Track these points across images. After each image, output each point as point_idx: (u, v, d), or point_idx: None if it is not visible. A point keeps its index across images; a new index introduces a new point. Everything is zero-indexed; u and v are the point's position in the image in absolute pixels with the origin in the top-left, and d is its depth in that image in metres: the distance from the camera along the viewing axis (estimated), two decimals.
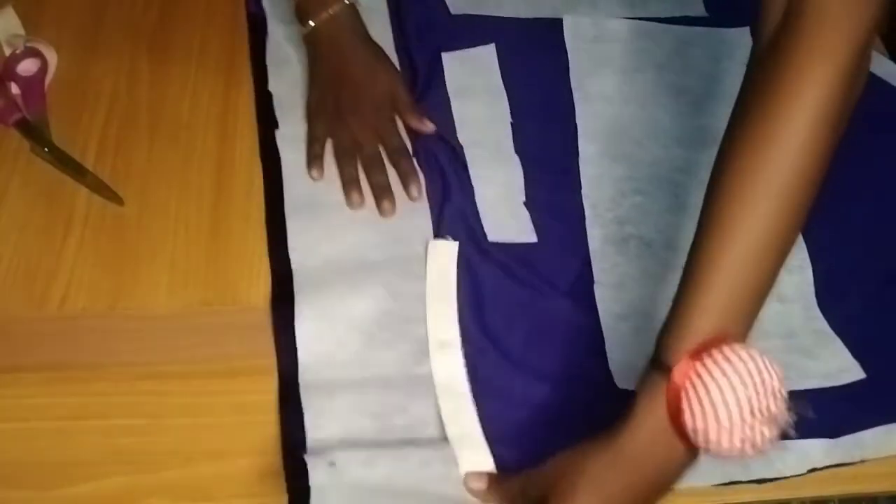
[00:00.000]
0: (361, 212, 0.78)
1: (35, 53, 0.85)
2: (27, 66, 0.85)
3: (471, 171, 0.80)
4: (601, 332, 0.71)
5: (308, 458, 0.62)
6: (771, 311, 0.66)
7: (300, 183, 0.78)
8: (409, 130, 0.82)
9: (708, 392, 0.53)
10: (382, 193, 0.78)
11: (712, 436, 0.53)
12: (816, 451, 0.65)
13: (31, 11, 0.89)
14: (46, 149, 0.80)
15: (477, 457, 0.64)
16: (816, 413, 0.61)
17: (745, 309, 0.57)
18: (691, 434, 0.54)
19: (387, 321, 0.71)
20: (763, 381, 0.53)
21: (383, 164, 0.80)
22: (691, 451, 0.56)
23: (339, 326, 0.70)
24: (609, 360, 0.70)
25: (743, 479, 0.64)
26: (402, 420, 0.66)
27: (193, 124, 0.83)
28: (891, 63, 0.90)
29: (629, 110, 0.85)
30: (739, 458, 0.55)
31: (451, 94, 0.85)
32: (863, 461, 0.66)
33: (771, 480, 0.65)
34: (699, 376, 0.53)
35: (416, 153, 0.81)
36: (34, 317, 0.72)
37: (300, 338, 0.69)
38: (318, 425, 0.65)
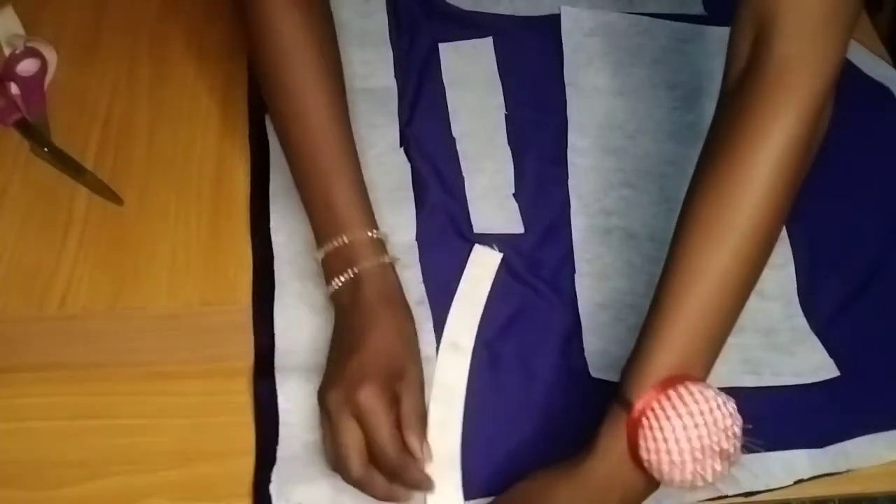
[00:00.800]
0: None
1: (35, 53, 0.85)
2: (27, 66, 0.85)
3: (462, 163, 0.80)
4: (579, 320, 0.72)
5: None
6: (752, 307, 0.66)
7: (286, 168, 0.78)
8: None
9: (661, 429, 0.56)
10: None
11: (665, 468, 0.56)
12: (802, 461, 0.66)
13: (30, 11, 0.89)
14: (46, 149, 0.80)
15: (446, 484, 0.63)
16: (797, 417, 0.66)
17: (706, 348, 0.59)
18: (646, 465, 0.57)
19: None
20: (715, 421, 0.56)
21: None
22: (651, 480, 0.58)
23: (318, 313, 0.71)
24: (585, 349, 0.71)
25: (732, 493, 0.65)
26: None
27: (193, 124, 0.83)
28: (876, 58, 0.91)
29: (622, 103, 0.85)
30: (690, 489, 0.59)
31: (446, 85, 0.86)
32: (848, 470, 0.66)
33: (760, 493, 0.65)
34: (654, 414, 0.56)
35: (405, 143, 0.81)
36: (33, 316, 0.72)
37: (278, 324, 0.70)
38: (290, 409, 0.67)
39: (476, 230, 0.76)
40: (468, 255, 0.75)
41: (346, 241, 0.66)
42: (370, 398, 0.60)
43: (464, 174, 0.80)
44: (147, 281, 0.74)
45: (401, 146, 0.81)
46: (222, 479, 0.65)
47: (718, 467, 0.56)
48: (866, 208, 0.80)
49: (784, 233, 0.74)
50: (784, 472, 0.66)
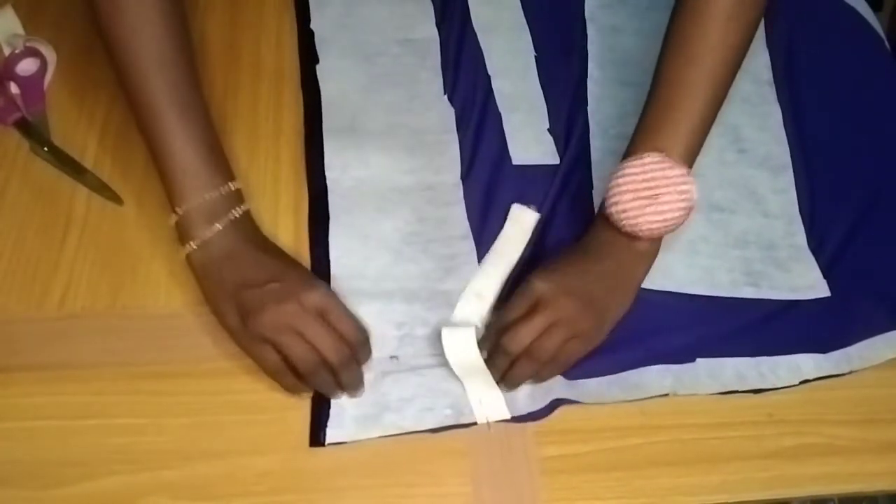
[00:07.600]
0: (396, 139, 0.83)
1: (34, 53, 0.85)
2: (27, 66, 0.85)
3: (498, 101, 0.86)
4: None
5: None
6: (755, 224, 0.79)
7: (339, 110, 0.84)
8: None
9: (624, 183, 0.69)
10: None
11: (633, 219, 0.69)
12: (808, 364, 0.72)
13: (30, 11, 0.89)
14: (46, 148, 0.80)
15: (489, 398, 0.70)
16: (800, 328, 0.74)
17: (684, 142, 0.71)
18: (618, 219, 0.69)
19: (413, 240, 0.78)
20: (666, 176, 0.68)
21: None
22: (645, 245, 0.71)
23: (369, 243, 0.77)
24: None
25: (739, 389, 0.71)
26: (423, 331, 0.73)
27: None
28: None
29: (638, 43, 0.91)
30: (659, 235, 0.70)
31: (477, 31, 0.91)
32: (850, 372, 0.72)
33: (765, 391, 0.71)
34: (620, 177, 0.70)
35: (449, 90, 0.87)
36: (33, 316, 0.72)
37: (333, 252, 0.76)
38: None
39: (515, 162, 0.82)
40: (508, 186, 0.81)
41: (187, 209, 0.69)
42: (297, 313, 0.66)
43: (500, 111, 0.85)
44: (146, 281, 0.74)
45: (444, 93, 0.87)
46: (221, 479, 0.65)
47: (678, 213, 0.68)
48: (863, 140, 0.86)
49: (788, 161, 0.83)
50: (790, 374, 0.72)
